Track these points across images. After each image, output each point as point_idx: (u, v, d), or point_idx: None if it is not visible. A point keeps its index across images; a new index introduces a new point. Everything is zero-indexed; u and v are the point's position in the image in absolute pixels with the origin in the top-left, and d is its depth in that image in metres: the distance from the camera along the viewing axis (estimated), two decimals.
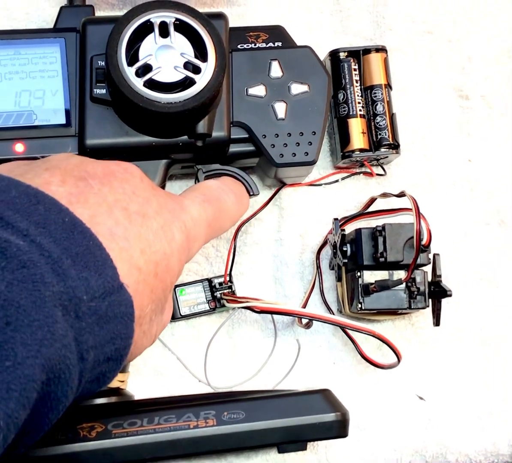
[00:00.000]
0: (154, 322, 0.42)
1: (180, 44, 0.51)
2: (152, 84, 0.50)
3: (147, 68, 0.50)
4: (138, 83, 0.49)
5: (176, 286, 0.59)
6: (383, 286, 0.55)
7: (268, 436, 0.49)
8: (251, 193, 0.57)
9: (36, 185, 0.36)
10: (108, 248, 0.36)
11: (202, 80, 0.50)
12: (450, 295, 0.55)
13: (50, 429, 0.46)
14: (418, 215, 0.53)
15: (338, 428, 0.50)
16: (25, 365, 0.29)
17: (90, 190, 0.38)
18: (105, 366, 0.36)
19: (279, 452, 0.50)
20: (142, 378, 0.58)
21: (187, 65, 0.50)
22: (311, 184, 0.63)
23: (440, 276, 0.56)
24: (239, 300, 0.56)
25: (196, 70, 0.50)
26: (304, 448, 0.50)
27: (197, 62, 0.50)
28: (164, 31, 0.50)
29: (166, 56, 0.50)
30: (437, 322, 0.57)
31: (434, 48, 0.66)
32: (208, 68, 0.50)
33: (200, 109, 0.50)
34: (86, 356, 0.33)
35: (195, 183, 0.57)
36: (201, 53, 0.51)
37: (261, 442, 0.49)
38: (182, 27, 0.51)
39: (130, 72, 0.49)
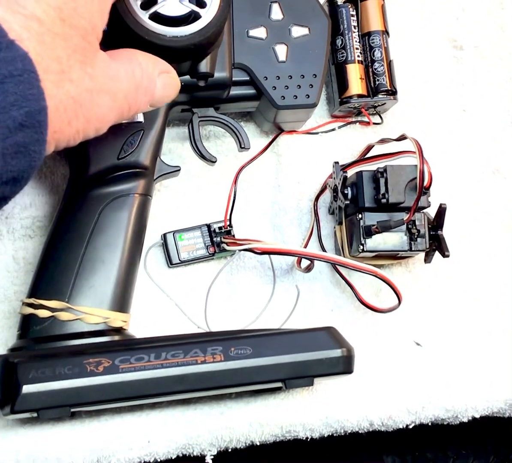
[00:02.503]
0: (87, 78, 0.38)
1: None
2: (157, 18, 0.49)
3: (152, 1, 0.49)
4: (143, 16, 0.48)
5: (174, 232, 0.59)
6: (385, 226, 0.55)
7: (275, 372, 0.49)
8: (243, 146, 0.57)
9: None
10: None
11: (208, 14, 0.49)
12: (448, 256, 0.56)
13: (56, 363, 0.46)
14: (421, 155, 0.54)
15: (344, 364, 0.51)
16: None
17: None
18: (22, 135, 0.33)
19: (286, 388, 0.50)
20: (141, 325, 0.57)
21: None
22: (308, 132, 0.63)
23: (441, 227, 0.56)
24: (239, 242, 0.56)
25: (201, 4, 0.50)
26: (311, 383, 0.50)
27: None
28: None
29: None
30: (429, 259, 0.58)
31: None
32: (213, 2, 0.50)
33: (205, 45, 0.50)
34: None
35: (189, 127, 0.57)
36: None
37: (268, 377, 0.49)
38: None
39: (135, 4, 0.48)
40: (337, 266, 0.58)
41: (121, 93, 0.42)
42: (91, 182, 0.53)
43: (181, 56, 0.50)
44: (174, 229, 0.59)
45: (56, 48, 0.36)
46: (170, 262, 0.59)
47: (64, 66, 0.36)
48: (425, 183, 0.54)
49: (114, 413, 0.54)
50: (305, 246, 0.60)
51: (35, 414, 0.47)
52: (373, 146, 0.61)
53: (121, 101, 0.42)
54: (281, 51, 0.56)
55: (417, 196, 0.53)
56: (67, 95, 0.37)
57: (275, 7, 0.56)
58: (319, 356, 0.50)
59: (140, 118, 0.54)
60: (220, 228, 0.59)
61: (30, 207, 0.58)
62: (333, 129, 0.63)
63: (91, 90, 0.39)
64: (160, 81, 0.46)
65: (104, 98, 0.40)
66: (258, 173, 0.62)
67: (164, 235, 0.59)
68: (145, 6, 0.49)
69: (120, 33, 0.50)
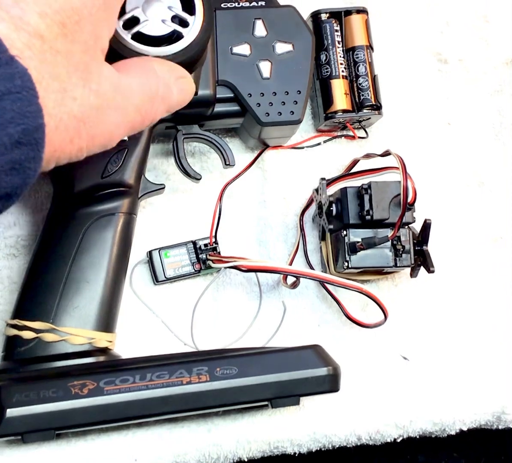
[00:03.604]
0: (91, 95, 0.37)
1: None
2: (140, 38, 0.49)
3: (134, 21, 0.49)
4: (126, 36, 0.48)
5: (160, 249, 0.59)
6: (369, 243, 0.55)
7: (261, 391, 0.49)
8: (228, 163, 0.57)
9: None
10: None
11: (190, 34, 0.49)
12: (433, 272, 0.56)
13: (40, 386, 0.46)
14: (405, 172, 0.54)
15: (330, 382, 0.51)
16: None
17: None
18: (18, 152, 0.33)
19: (272, 407, 0.50)
20: (127, 342, 0.57)
21: (174, 19, 0.50)
22: (293, 147, 0.63)
23: (426, 242, 0.56)
24: (225, 259, 0.56)
25: (184, 24, 0.50)
26: (297, 402, 0.50)
27: (185, 15, 0.49)
28: None
29: (153, 9, 0.49)
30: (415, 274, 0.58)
31: (412, 12, 0.66)
32: (196, 22, 0.50)
33: (189, 63, 0.50)
34: None
35: (173, 144, 0.57)
36: (187, 7, 0.50)
37: (254, 397, 0.49)
38: None
39: (118, 24, 0.48)
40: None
41: (133, 107, 0.41)
42: (75, 201, 0.53)
43: None
44: (159, 246, 0.59)
45: (57, 65, 0.35)
46: (156, 279, 0.58)
47: (66, 84, 0.36)
48: (409, 199, 0.54)
49: (101, 432, 0.54)
50: (291, 262, 0.60)
51: (19, 437, 0.47)
52: (359, 160, 0.61)
53: (133, 115, 0.41)
54: (265, 67, 0.56)
55: (400, 213, 0.53)
56: (69, 114, 0.36)
57: (259, 24, 0.56)
58: (305, 375, 0.50)
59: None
60: (205, 245, 0.59)
61: (14, 226, 0.58)
62: (319, 144, 0.63)
63: (97, 107, 0.38)
64: (177, 87, 0.46)
65: (111, 114, 0.39)
66: (244, 189, 0.62)
67: (150, 252, 0.59)
68: (127, 26, 0.49)
69: None
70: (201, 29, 0.50)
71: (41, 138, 0.34)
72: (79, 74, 0.37)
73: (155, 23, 0.49)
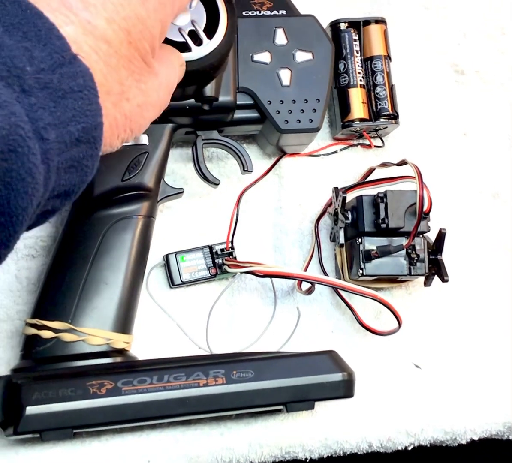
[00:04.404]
0: (140, 95, 0.39)
1: (195, 11, 0.50)
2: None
3: None
4: None
5: (177, 253, 0.59)
6: (384, 251, 0.56)
7: (277, 395, 0.50)
8: (246, 169, 0.58)
9: None
10: (62, 20, 0.33)
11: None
12: (447, 281, 0.56)
13: (59, 385, 0.46)
14: (421, 181, 0.54)
15: (345, 388, 0.51)
16: None
17: None
18: (77, 150, 0.33)
19: (287, 411, 0.50)
20: (142, 345, 0.58)
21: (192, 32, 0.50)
22: (310, 155, 0.63)
23: (441, 252, 0.57)
24: (241, 265, 0.57)
25: (198, 40, 0.50)
26: (312, 407, 0.51)
27: (202, 35, 0.49)
28: None
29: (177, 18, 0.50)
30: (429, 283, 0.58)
31: (430, 24, 0.67)
32: (210, 44, 0.50)
33: (212, 69, 0.50)
34: (46, 135, 0.31)
35: (193, 149, 0.57)
36: (212, 20, 0.51)
37: (270, 401, 0.50)
38: None
39: None
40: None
41: (159, 101, 0.42)
42: (95, 204, 0.54)
43: (187, 80, 0.51)
44: (176, 250, 0.59)
45: (120, 70, 0.37)
46: (172, 283, 0.59)
47: (124, 87, 0.37)
48: (425, 208, 0.55)
49: (115, 433, 0.55)
50: (306, 268, 0.61)
51: (37, 435, 0.47)
52: (374, 169, 0.61)
53: (158, 109, 0.43)
54: (285, 75, 0.57)
55: (416, 222, 0.54)
56: (121, 113, 0.38)
57: (280, 32, 0.57)
58: (320, 380, 0.50)
59: (145, 140, 0.54)
60: (222, 249, 0.59)
61: None
62: (335, 152, 0.64)
63: (141, 105, 0.39)
64: (178, 75, 0.46)
65: (149, 110, 0.41)
66: (260, 195, 0.62)
67: (166, 256, 0.59)
68: None
69: None
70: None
71: (99, 136, 0.34)
72: (135, 76, 0.38)
73: (171, 28, 0.49)
